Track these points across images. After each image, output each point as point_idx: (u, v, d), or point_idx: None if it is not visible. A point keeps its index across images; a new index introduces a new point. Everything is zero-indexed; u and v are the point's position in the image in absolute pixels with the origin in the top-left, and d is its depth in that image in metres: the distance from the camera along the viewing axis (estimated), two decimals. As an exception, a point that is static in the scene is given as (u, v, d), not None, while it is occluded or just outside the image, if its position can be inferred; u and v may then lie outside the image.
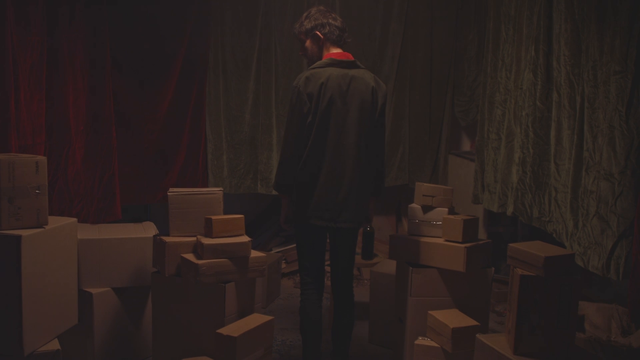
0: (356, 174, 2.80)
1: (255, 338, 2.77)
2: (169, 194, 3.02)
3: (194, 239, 2.97)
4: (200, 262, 2.79)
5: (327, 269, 3.89)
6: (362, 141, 2.79)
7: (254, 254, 2.96)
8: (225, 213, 3.06)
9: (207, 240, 2.86)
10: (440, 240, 3.03)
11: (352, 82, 2.77)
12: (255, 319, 2.86)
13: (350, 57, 2.85)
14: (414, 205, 3.18)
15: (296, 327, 3.01)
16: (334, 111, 2.75)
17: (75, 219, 2.81)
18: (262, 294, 3.12)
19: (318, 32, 2.84)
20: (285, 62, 4.36)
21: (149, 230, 3.31)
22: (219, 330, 2.69)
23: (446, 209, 3.11)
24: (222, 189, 3.15)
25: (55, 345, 2.59)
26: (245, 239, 2.93)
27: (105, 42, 3.52)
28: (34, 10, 3.12)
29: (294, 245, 4.73)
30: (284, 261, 4.61)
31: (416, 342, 2.89)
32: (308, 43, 2.89)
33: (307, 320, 2.90)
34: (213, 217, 2.92)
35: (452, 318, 2.84)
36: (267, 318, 2.88)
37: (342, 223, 2.80)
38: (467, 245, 2.94)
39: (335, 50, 2.86)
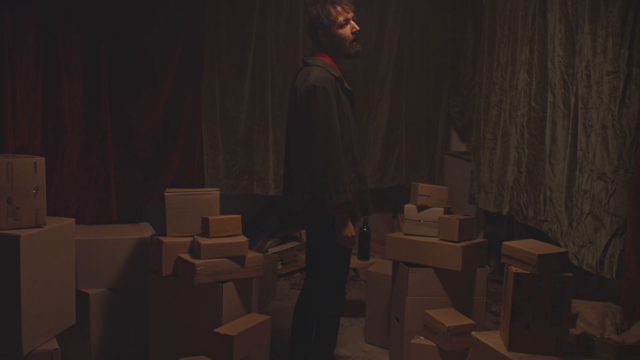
0: (289, 177, 2.82)
1: (253, 337, 2.79)
2: (166, 194, 3.04)
3: (190, 239, 3.00)
4: (197, 261, 2.81)
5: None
6: (292, 143, 2.78)
7: (251, 253, 2.99)
8: (221, 214, 3.08)
9: (204, 240, 2.88)
10: (436, 240, 3.05)
11: (293, 82, 2.80)
12: (253, 319, 2.88)
13: (311, 55, 2.84)
14: (410, 205, 3.20)
15: (292, 327, 3.05)
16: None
17: (72, 220, 2.81)
18: (258, 295, 3.15)
19: None
20: (281, 63, 4.38)
21: (145, 230, 3.33)
22: (216, 330, 2.72)
23: (442, 209, 3.14)
24: (218, 189, 3.17)
25: (53, 344, 2.60)
26: (242, 238, 2.95)
27: (101, 43, 3.52)
28: (30, 11, 3.13)
29: (290, 246, 4.75)
30: (279, 262, 4.63)
31: (412, 340, 2.91)
32: None
33: None
34: (210, 217, 2.94)
35: (448, 317, 2.86)
36: (265, 317, 2.90)
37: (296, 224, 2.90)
38: (463, 244, 2.97)
39: None
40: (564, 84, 3.00)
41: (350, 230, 2.68)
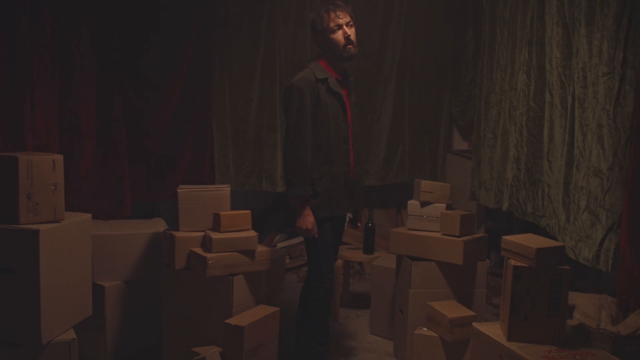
0: None
1: (262, 328, 2.87)
2: (179, 190, 3.12)
3: (202, 233, 3.07)
4: (209, 255, 2.89)
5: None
6: None
7: (260, 248, 3.06)
8: (232, 210, 3.15)
9: (215, 235, 2.96)
10: (439, 235, 3.13)
11: None
12: (262, 310, 2.96)
13: (313, 58, 2.99)
14: (413, 201, 3.28)
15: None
16: None
17: (89, 215, 2.89)
18: (267, 288, 3.23)
19: None
20: (289, 63, 4.45)
21: (158, 225, 3.40)
22: (227, 321, 2.79)
23: (444, 205, 3.21)
24: (229, 186, 3.23)
25: (71, 335, 2.66)
26: (252, 233, 3.03)
27: (113, 44, 3.59)
28: (45, 15, 3.20)
29: (298, 241, 4.83)
30: (288, 256, 4.71)
31: (415, 331, 2.99)
32: None
33: None
34: (221, 213, 3.01)
35: (450, 309, 2.94)
36: (273, 309, 2.98)
37: None
38: (465, 239, 3.05)
39: None
40: (561, 85, 3.08)
41: (306, 222, 2.79)
